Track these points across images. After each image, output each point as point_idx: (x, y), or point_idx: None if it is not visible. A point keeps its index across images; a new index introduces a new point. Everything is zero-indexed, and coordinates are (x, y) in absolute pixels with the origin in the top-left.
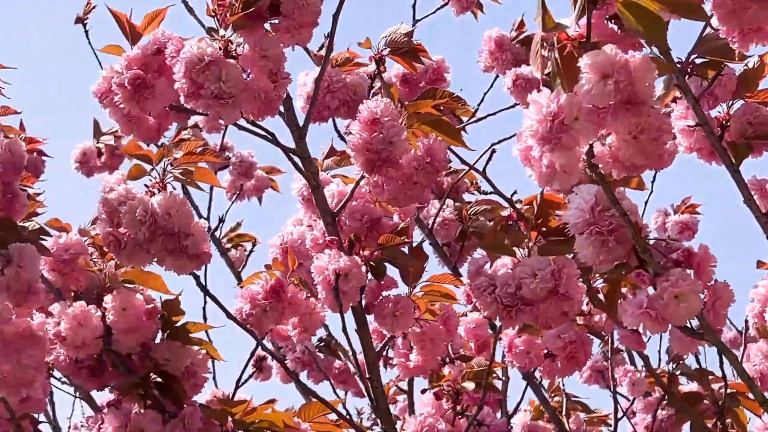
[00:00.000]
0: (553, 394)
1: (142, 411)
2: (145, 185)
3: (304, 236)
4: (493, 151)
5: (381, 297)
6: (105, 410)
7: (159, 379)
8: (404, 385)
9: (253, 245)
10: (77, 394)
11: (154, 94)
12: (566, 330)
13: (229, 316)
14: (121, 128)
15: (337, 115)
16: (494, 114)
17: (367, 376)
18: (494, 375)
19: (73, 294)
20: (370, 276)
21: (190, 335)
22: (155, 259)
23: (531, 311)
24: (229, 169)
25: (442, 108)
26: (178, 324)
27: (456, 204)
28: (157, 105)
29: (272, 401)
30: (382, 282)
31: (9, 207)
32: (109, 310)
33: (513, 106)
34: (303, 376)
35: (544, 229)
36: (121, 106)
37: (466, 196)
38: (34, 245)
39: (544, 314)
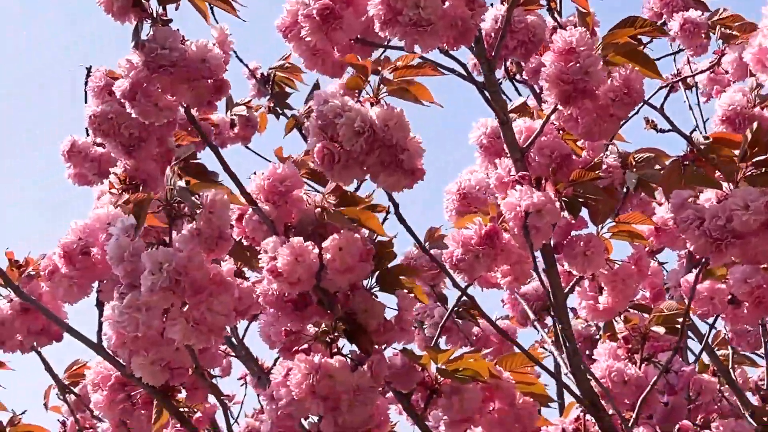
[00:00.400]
0: (717, 347)
1: (329, 358)
2: (358, 100)
3: (482, 182)
4: (671, 87)
5: (571, 236)
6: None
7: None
8: None
9: (387, 213)
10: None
11: (342, 25)
12: (753, 274)
13: (433, 259)
14: (306, 63)
15: (513, 55)
16: (659, 59)
17: (557, 318)
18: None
19: (285, 227)
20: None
21: (403, 280)
22: (368, 176)
23: (741, 245)
24: None
25: (640, 38)
26: (389, 266)
27: (619, 151)
28: (344, 37)
29: (478, 350)
30: (572, 221)
31: (164, 168)
32: (327, 249)
33: (678, 52)
34: (441, 342)
35: (755, 160)
36: (308, 39)
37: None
38: (225, 192)
39: (755, 248)
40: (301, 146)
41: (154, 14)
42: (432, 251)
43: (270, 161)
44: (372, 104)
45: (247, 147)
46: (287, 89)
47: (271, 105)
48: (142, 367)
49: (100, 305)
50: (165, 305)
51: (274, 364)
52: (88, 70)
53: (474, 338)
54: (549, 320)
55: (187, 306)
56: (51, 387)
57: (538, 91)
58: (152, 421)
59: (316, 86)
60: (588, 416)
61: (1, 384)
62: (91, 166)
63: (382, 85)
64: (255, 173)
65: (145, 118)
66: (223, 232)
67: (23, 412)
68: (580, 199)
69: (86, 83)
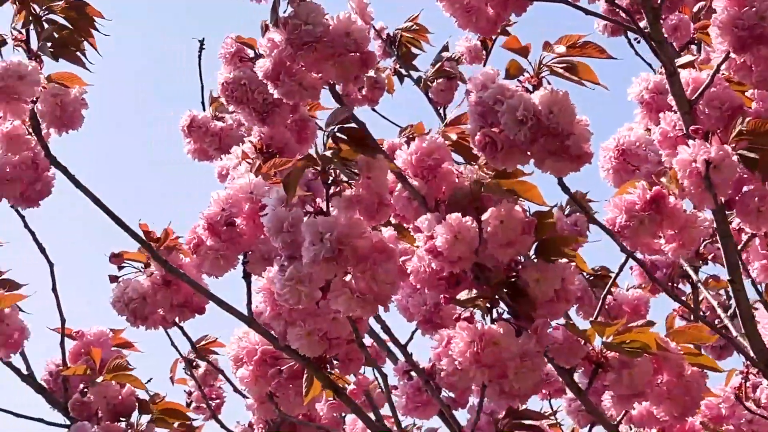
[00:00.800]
0: None
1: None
2: (518, 80)
3: (642, 138)
4: None
5: (743, 191)
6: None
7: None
8: None
9: None
10: None
11: None
12: None
13: (600, 225)
14: (458, 21)
15: None
16: None
17: (729, 278)
18: None
19: (435, 203)
20: None
21: (564, 250)
22: (531, 161)
23: None
24: None
25: None
26: (548, 238)
27: None
28: None
29: (650, 323)
30: (744, 175)
31: (300, 136)
32: (487, 222)
33: None
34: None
35: None
36: None
37: None
38: (381, 155)
39: None
40: (422, 108)
41: None
42: (574, 216)
43: (397, 125)
44: (533, 85)
45: (374, 110)
46: (413, 50)
47: (397, 66)
48: (299, 339)
49: (247, 277)
50: (328, 276)
51: (411, 338)
52: (201, 42)
53: (606, 307)
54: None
55: (350, 276)
56: (177, 361)
57: (677, 49)
58: (304, 394)
59: (445, 48)
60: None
61: (132, 365)
62: (212, 140)
63: (542, 65)
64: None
65: (289, 99)
66: (383, 197)
67: (148, 380)
68: (756, 153)
69: (199, 57)
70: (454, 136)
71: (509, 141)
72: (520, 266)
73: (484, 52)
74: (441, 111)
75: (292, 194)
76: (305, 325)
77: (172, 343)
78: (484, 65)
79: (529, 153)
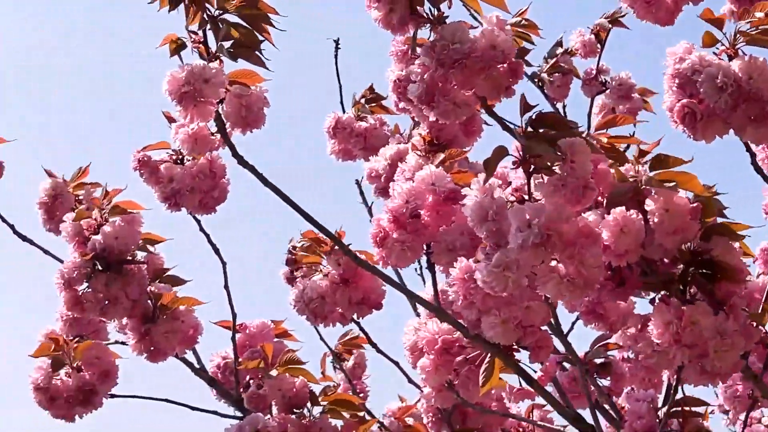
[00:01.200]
0: None
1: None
2: (714, 53)
3: None
4: None
5: None
6: None
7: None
8: None
9: None
10: None
11: None
12: None
13: None
14: (638, 12)
15: None
16: None
17: None
18: None
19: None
20: None
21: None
22: (732, 129)
23: None
24: (606, 92)
25: None
26: (715, 223)
27: None
28: None
29: None
30: None
31: (467, 129)
32: (653, 212)
33: None
34: None
35: None
36: None
37: None
38: (582, 138)
39: None
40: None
41: (431, 17)
42: None
43: (512, 123)
44: (730, 56)
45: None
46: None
47: None
48: (493, 327)
49: (431, 267)
50: (536, 261)
51: (572, 329)
52: (336, 42)
53: None
54: None
55: (556, 261)
56: (326, 355)
57: None
58: (481, 384)
59: (559, 43)
60: None
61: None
62: (357, 141)
63: (739, 36)
64: None
65: (445, 119)
66: (587, 181)
67: None
68: None
69: (336, 56)
70: (604, 140)
71: (709, 110)
72: (699, 248)
73: (599, 46)
74: (558, 107)
75: (491, 173)
76: (500, 314)
77: (321, 338)
78: (599, 59)
79: (729, 123)
